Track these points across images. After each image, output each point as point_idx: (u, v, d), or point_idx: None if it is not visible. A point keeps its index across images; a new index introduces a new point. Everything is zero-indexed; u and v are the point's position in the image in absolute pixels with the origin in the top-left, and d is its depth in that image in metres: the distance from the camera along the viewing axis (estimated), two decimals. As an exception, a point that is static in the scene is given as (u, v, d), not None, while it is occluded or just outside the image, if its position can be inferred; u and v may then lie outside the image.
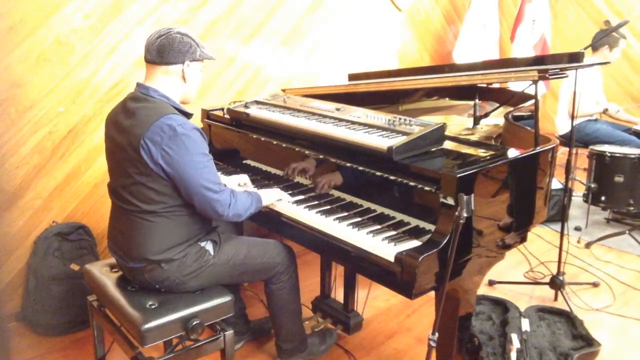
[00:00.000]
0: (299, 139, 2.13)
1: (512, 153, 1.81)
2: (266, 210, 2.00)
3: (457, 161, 1.76)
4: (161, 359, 1.66)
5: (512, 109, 2.36)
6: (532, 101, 2.15)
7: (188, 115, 1.79)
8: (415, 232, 1.68)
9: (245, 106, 2.43)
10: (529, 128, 2.08)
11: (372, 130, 1.92)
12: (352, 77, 2.95)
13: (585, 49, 2.36)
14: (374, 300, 2.75)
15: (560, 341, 2.33)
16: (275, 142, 2.21)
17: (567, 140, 3.19)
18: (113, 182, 1.80)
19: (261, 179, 2.29)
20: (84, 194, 2.66)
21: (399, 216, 1.77)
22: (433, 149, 1.84)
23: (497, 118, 2.43)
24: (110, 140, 1.78)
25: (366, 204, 1.89)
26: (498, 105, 2.45)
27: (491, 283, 2.94)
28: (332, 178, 1.99)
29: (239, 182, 2.19)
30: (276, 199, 1.99)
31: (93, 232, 2.65)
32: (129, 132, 1.68)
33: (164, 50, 1.73)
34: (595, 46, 3.79)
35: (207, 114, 2.63)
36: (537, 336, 2.35)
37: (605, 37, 3.71)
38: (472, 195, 1.39)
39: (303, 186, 2.14)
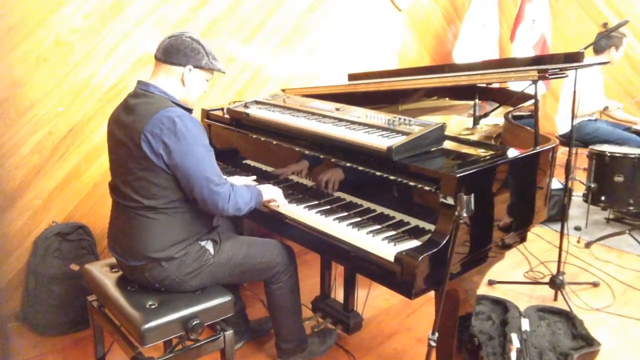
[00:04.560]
0: (298, 138, 2.13)
1: (512, 153, 1.81)
2: (266, 211, 2.00)
3: (457, 161, 1.76)
4: (161, 359, 1.67)
5: (512, 108, 2.37)
6: (532, 101, 2.15)
7: (188, 111, 1.80)
8: (415, 232, 1.68)
9: (245, 106, 2.43)
10: (528, 128, 2.08)
11: (372, 130, 1.92)
12: (352, 77, 2.95)
13: (585, 48, 2.36)
14: (374, 300, 2.75)
15: (560, 341, 2.33)
16: (275, 142, 2.21)
17: (567, 140, 3.19)
18: (114, 180, 1.80)
19: (261, 179, 2.29)
20: (84, 194, 2.66)
21: (399, 216, 1.77)
22: (433, 149, 1.84)
23: (497, 118, 2.43)
24: (112, 137, 1.79)
25: (366, 204, 1.89)
26: (498, 105, 2.45)
27: (491, 283, 2.94)
28: (336, 178, 1.99)
29: (244, 183, 2.19)
30: (274, 195, 1.97)
31: (93, 232, 2.65)
32: (130, 128, 1.68)
33: (170, 49, 1.76)
34: (601, 48, 3.80)
35: (207, 114, 2.63)
36: (537, 336, 2.35)
37: (610, 39, 3.71)
38: (472, 195, 1.39)
39: (303, 186, 2.13)
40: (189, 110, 1.81)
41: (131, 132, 1.68)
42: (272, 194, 1.96)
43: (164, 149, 1.65)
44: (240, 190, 1.80)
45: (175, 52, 1.75)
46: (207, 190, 1.69)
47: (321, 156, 2.01)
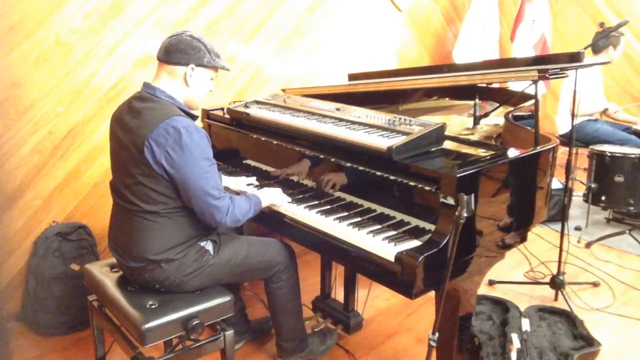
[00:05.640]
0: (299, 138, 2.13)
1: (512, 153, 1.81)
2: (267, 210, 2.00)
3: (457, 161, 1.76)
4: (161, 359, 1.66)
5: (512, 108, 2.36)
6: (532, 101, 2.15)
7: (193, 118, 1.79)
8: (415, 232, 1.68)
9: (245, 106, 2.43)
10: (529, 128, 2.08)
11: (372, 130, 1.92)
12: (352, 77, 2.94)
13: (585, 49, 2.36)
14: (374, 300, 2.75)
15: (561, 341, 2.33)
16: (275, 142, 2.21)
17: (567, 140, 3.19)
18: (115, 181, 1.80)
19: (261, 179, 2.29)
20: (84, 194, 2.66)
21: (399, 216, 1.77)
22: (433, 149, 1.84)
23: (497, 118, 2.43)
24: (114, 138, 1.78)
25: (366, 204, 1.89)
26: (498, 105, 2.45)
27: (491, 283, 2.94)
28: (336, 178, 1.99)
29: (246, 184, 2.19)
30: (275, 200, 1.98)
31: (93, 232, 2.65)
32: (134, 132, 1.67)
33: (171, 49, 1.74)
34: (598, 48, 3.80)
35: (207, 114, 2.63)
36: (538, 336, 2.35)
37: (608, 38, 3.72)
38: (472, 195, 1.39)
39: (303, 186, 2.13)
40: (194, 118, 1.80)
41: (135, 137, 1.67)
42: (271, 200, 1.97)
43: (167, 159, 1.64)
44: (239, 202, 1.79)
45: (175, 51, 1.73)
46: (206, 204, 1.69)
47: (321, 156, 2.01)
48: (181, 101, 1.79)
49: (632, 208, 3.44)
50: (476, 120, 2.30)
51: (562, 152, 3.81)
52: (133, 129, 1.68)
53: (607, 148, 3.51)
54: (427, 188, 1.64)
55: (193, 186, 1.66)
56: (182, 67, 1.75)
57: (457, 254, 1.46)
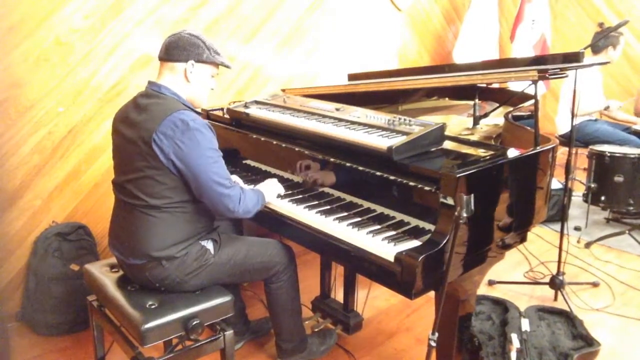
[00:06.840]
0: (298, 139, 2.13)
1: (512, 153, 1.81)
2: (267, 211, 2.00)
3: (457, 161, 1.75)
4: (161, 359, 1.67)
5: (512, 108, 2.37)
6: (532, 101, 2.15)
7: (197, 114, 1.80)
8: (415, 232, 1.68)
9: (245, 106, 2.43)
10: (528, 128, 2.08)
11: (372, 130, 1.92)
12: (352, 77, 2.94)
13: (584, 49, 2.36)
14: (374, 300, 2.75)
15: (560, 341, 2.33)
16: (275, 142, 2.21)
17: (567, 140, 3.19)
18: (119, 178, 1.80)
19: (261, 179, 2.29)
20: (84, 194, 2.66)
21: (399, 216, 1.77)
22: (433, 149, 1.84)
23: (497, 118, 2.43)
24: (118, 136, 1.79)
25: (366, 204, 1.89)
26: (498, 105, 2.45)
27: (491, 283, 2.94)
28: (335, 178, 1.99)
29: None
30: (276, 194, 2.01)
31: (93, 232, 2.65)
32: (141, 127, 1.69)
33: (170, 47, 1.77)
34: (598, 48, 3.80)
35: (207, 114, 2.63)
36: (537, 336, 2.35)
37: (607, 38, 3.72)
38: (472, 195, 1.39)
39: (303, 186, 2.13)
40: (198, 114, 1.81)
41: (142, 130, 1.68)
42: (273, 192, 2.00)
43: (176, 151, 1.66)
44: (249, 193, 1.83)
45: (175, 48, 1.76)
46: (218, 194, 1.71)
47: (321, 156, 2.01)
48: (185, 98, 1.80)
49: (631, 208, 3.44)
50: (476, 120, 2.30)
51: (562, 152, 3.82)
52: (140, 123, 1.70)
53: (607, 148, 3.51)
54: (426, 188, 1.64)
55: (204, 176, 1.68)
56: (182, 64, 1.77)
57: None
